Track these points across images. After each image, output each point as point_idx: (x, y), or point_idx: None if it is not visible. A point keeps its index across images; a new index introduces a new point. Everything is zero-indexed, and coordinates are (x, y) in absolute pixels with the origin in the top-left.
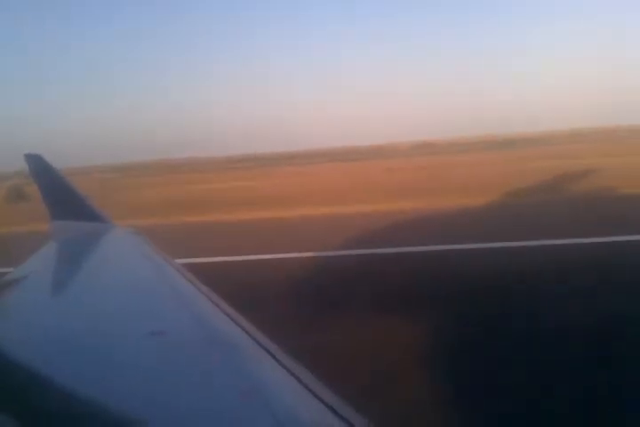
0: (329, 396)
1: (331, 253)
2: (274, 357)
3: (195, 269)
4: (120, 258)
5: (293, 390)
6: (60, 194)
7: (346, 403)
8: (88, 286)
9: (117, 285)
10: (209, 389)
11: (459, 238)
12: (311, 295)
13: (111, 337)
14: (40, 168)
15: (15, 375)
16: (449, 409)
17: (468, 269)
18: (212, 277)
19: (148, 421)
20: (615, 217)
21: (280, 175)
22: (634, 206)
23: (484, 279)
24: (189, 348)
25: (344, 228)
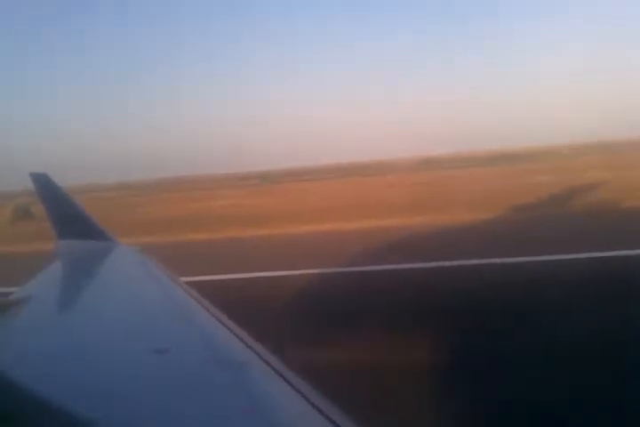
0: (335, 413)
1: (340, 270)
2: (279, 374)
3: (199, 287)
4: (125, 277)
5: (299, 408)
6: (65, 213)
7: (353, 420)
8: (93, 305)
9: (122, 303)
10: (213, 406)
11: (476, 254)
12: (317, 311)
13: (116, 355)
14: (46, 187)
15: (21, 394)
16: None
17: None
18: (216, 295)
19: None
20: (624, 230)
21: (286, 192)
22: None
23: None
24: (194, 365)
25: (357, 244)
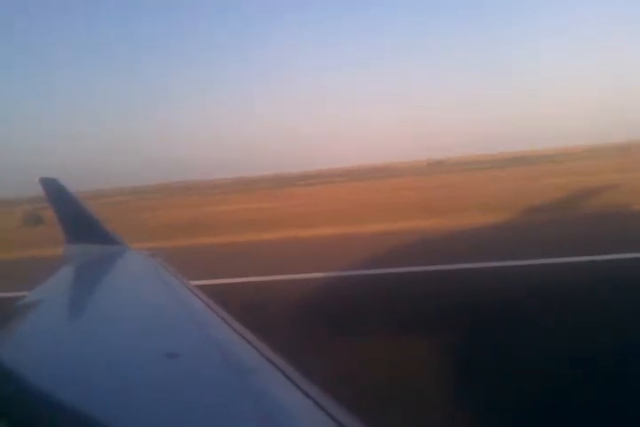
0: (346, 419)
1: (358, 273)
2: (289, 379)
3: (210, 291)
4: (135, 281)
5: (309, 413)
6: (75, 217)
7: (364, 425)
8: (104, 309)
9: (133, 307)
10: (225, 411)
11: (493, 256)
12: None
13: (127, 359)
14: (56, 192)
15: (32, 398)
16: None
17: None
18: (226, 299)
19: None
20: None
21: (296, 196)
22: None
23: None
24: (205, 370)
25: (368, 247)
